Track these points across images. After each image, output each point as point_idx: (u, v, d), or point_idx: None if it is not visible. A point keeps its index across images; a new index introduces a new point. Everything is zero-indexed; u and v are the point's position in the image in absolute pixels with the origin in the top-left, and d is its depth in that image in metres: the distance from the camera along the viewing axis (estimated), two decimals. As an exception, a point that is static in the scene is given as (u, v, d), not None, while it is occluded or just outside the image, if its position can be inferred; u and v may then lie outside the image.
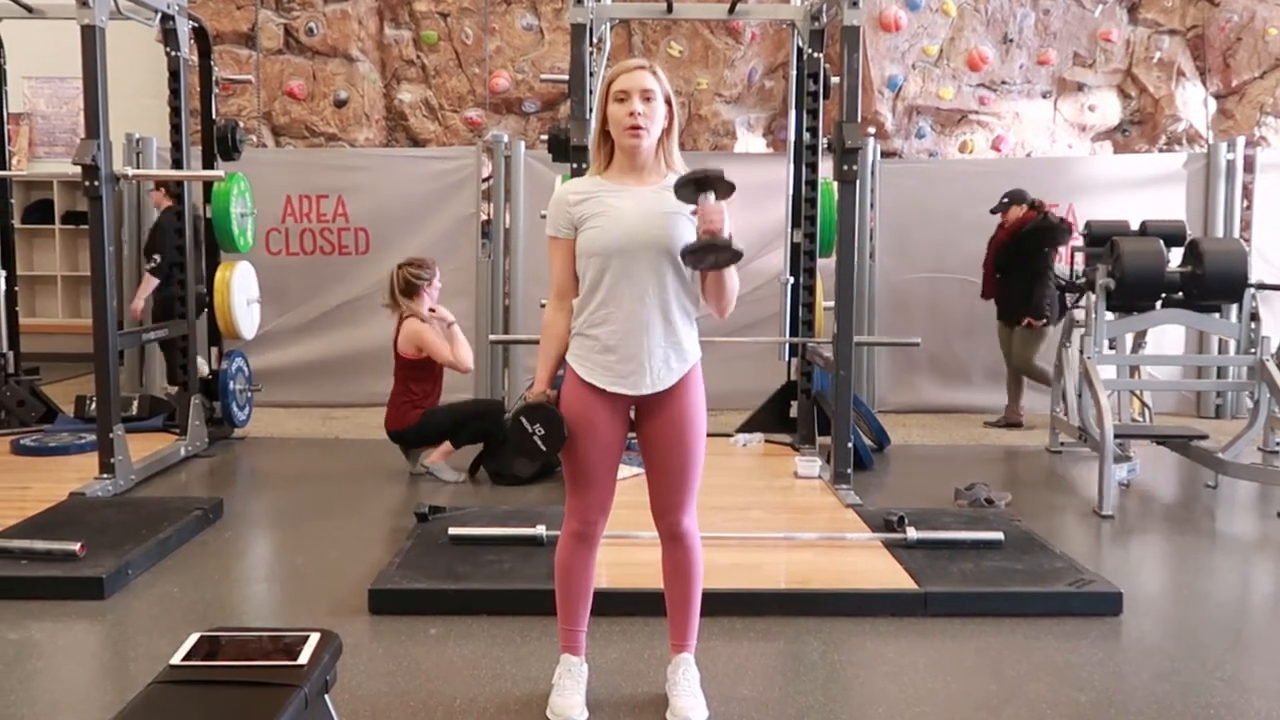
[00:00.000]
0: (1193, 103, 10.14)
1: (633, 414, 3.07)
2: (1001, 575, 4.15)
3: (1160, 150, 9.92)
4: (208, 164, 6.74)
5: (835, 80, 6.61)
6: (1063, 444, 6.83)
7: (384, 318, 8.09)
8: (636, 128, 2.93)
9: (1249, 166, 8.35)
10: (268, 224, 7.99)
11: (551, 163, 7.57)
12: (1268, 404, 5.64)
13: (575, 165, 5.28)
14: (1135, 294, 5.55)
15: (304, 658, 2.30)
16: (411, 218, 8.23)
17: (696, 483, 3.10)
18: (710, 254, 2.87)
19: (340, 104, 9.74)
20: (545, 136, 6.67)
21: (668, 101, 2.98)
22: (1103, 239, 6.19)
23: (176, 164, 6.56)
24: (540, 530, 4.47)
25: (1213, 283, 5.50)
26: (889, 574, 4.16)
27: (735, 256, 2.87)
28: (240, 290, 6.77)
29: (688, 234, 2.96)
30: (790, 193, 6.51)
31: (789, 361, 6.82)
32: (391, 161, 8.52)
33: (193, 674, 2.22)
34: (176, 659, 2.30)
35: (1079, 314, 6.63)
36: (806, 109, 6.31)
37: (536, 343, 6.57)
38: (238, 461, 6.60)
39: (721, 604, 3.80)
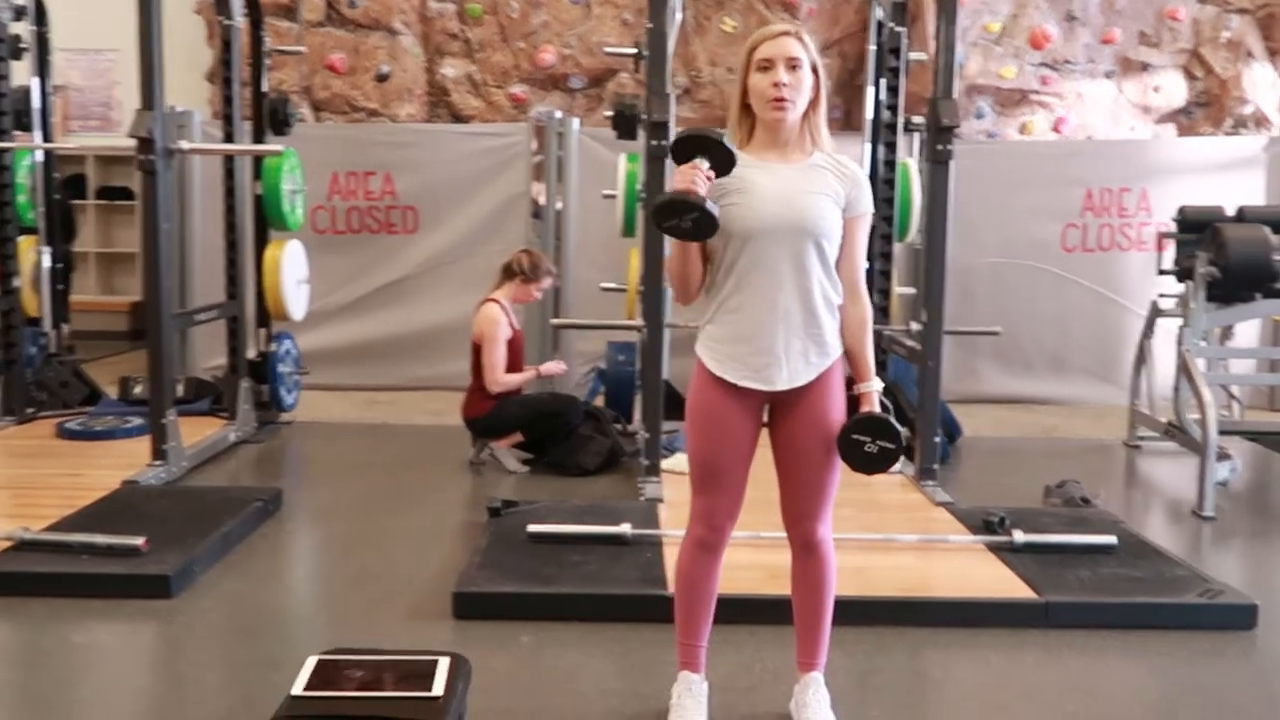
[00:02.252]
0: (1261, 84, 9.79)
1: (766, 413, 2.82)
2: (1122, 584, 3.89)
3: (1226, 133, 9.59)
4: (258, 138, 6.48)
5: (914, 56, 6.36)
6: (1141, 438, 6.55)
7: (431, 298, 7.94)
8: (781, 100, 2.67)
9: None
10: (313, 201, 7.72)
11: (614, 140, 7.32)
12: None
13: (652, 142, 4.99)
14: (1239, 284, 5.27)
15: (438, 687, 2.07)
16: (460, 196, 7.96)
17: (834, 489, 2.85)
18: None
19: (382, 79, 9.46)
20: (609, 113, 6.41)
21: (815, 71, 2.72)
22: (1199, 225, 5.90)
23: (227, 138, 6.31)
24: (625, 528, 4.23)
25: (1321, 272, 5.21)
26: (1003, 581, 3.90)
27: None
28: (290, 270, 6.53)
29: (834, 217, 2.71)
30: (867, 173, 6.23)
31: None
32: (440, 137, 8.24)
33: (318, 707, 1.98)
34: (297, 688, 2.05)
35: (1165, 303, 6.34)
36: (887, 85, 6.02)
37: (597, 327, 6.47)
38: (288, 448, 6.37)
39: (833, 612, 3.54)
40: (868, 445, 2.71)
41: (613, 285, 6.58)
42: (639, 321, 6.00)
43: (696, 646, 2.95)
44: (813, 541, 2.87)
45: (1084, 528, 4.43)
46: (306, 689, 2.05)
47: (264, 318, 6.59)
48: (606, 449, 5.72)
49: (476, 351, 5.66)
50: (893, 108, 6.02)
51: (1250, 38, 9.79)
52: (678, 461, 5.42)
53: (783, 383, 2.72)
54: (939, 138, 4.92)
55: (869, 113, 6.26)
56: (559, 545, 4.18)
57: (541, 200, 7.86)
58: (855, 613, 3.63)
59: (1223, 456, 5.21)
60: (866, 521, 4.65)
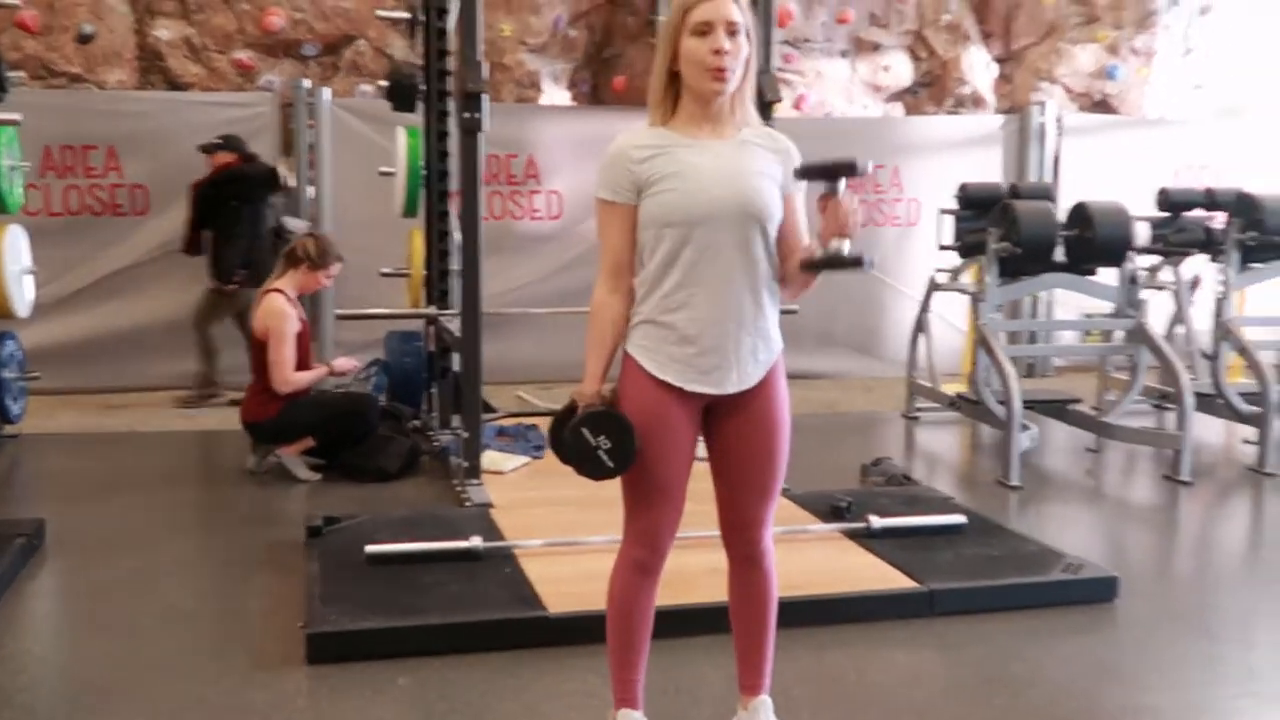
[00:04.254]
0: (978, 66, 10.36)
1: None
2: (989, 565, 3.89)
3: (949, 112, 10.08)
4: (-41, 105, 5.52)
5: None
6: (920, 409, 6.74)
7: (167, 287, 7.11)
8: (723, 69, 2.38)
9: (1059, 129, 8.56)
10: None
11: (370, 113, 6.83)
12: (1145, 366, 5.71)
13: (465, 115, 4.56)
14: (1030, 258, 5.44)
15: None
16: (196, 173, 7.14)
17: (779, 493, 2.61)
18: (839, 267, 2.39)
19: (84, 39, 8.37)
20: (383, 82, 5.91)
21: (749, 38, 2.44)
22: (981, 202, 6.08)
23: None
24: (476, 542, 3.84)
25: (1100, 245, 5.46)
26: (881, 572, 3.81)
27: (859, 265, 2.39)
28: (11, 259, 5.62)
29: (777, 198, 2.46)
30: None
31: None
32: (171, 108, 7.38)
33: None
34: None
35: (941, 277, 6.53)
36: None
37: (388, 316, 5.96)
38: (22, 468, 5.49)
39: (711, 619, 3.29)
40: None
41: (393, 270, 6.08)
42: (432, 310, 5.60)
43: (635, 681, 2.64)
44: (758, 552, 2.63)
45: (927, 507, 4.43)
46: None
47: (-22, 315, 5.65)
48: (407, 449, 5.26)
49: (260, 348, 5.05)
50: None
51: (967, 22, 10.33)
52: (492, 459, 5.07)
53: (733, 385, 2.46)
54: (466, 105, 4.55)
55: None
56: (401, 566, 3.75)
57: (291, 180, 7.20)
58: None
59: (1023, 427, 5.38)
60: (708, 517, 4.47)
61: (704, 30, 2.37)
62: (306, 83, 7.41)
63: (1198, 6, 10.90)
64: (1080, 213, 5.55)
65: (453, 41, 5.61)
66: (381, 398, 5.82)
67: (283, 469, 5.15)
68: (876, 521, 4.14)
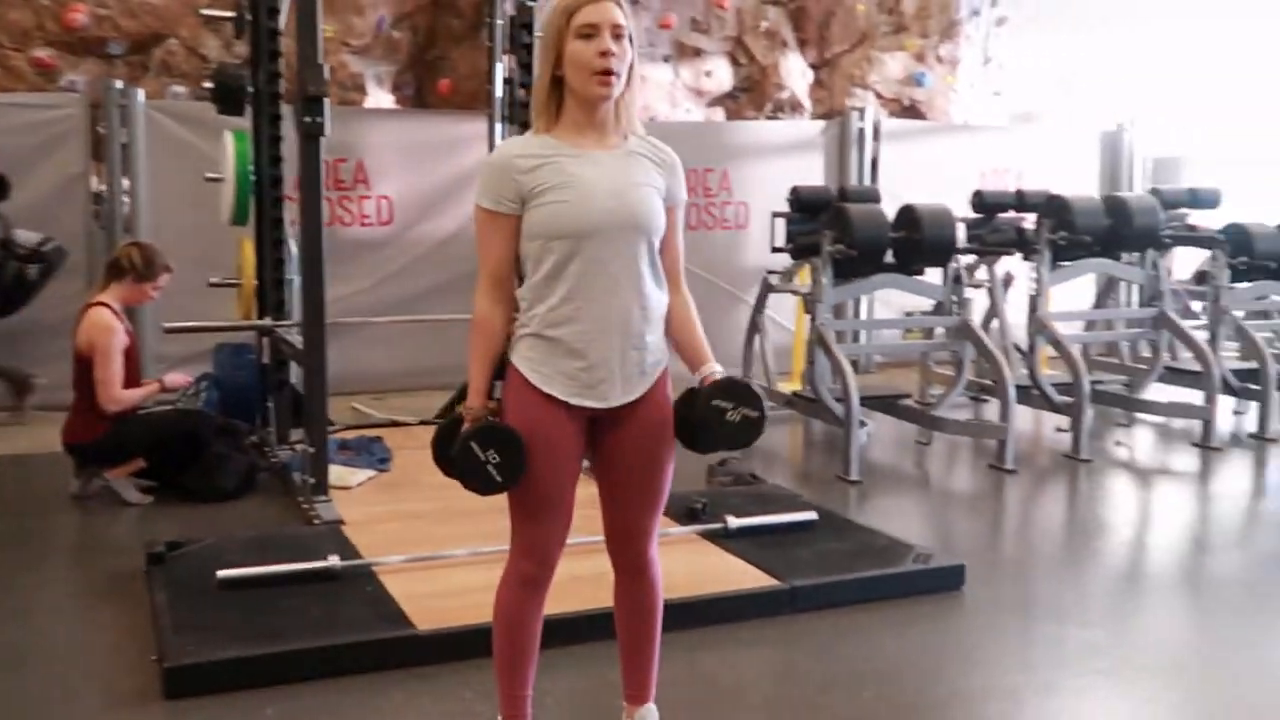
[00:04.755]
0: (795, 72, 10.66)
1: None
2: (844, 560, 4.01)
3: (768, 117, 10.34)
4: None
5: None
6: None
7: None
8: (609, 73, 2.37)
9: (876, 134, 8.88)
10: None
11: (187, 115, 6.56)
12: (970, 361, 5.99)
13: (306, 120, 4.42)
14: (863, 260, 5.63)
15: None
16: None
17: (664, 503, 2.63)
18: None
19: None
20: (208, 84, 5.66)
21: (632, 43, 2.44)
22: (812, 205, 6.25)
23: None
24: (334, 561, 3.73)
25: (928, 246, 5.70)
26: (743, 571, 3.87)
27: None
28: None
29: (661, 211, 2.47)
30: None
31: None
32: (-33, 108, 6.88)
33: None
34: None
35: (773, 279, 6.68)
36: (521, 62, 5.78)
37: (220, 329, 5.71)
38: None
39: (579, 630, 3.29)
40: (730, 413, 2.46)
41: (222, 280, 5.83)
42: (268, 321, 5.42)
43: (525, 697, 2.62)
44: (644, 563, 2.64)
45: (778, 505, 4.53)
46: None
47: None
48: (245, 467, 5.06)
49: (84, 364, 4.77)
50: (526, 85, 5.79)
51: (785, 29, 10.62)
52: (338, 474, 4.93)
53: (618, 398, 2.46)
54: (307, 109, 4.41)
55: (499, 89, 6.02)
56: (256, 590, 3.61)
57: (102, 186, 6.82)
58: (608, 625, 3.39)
59: (860, 424, 5.56)
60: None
61: (589, 33, 2.35)
62: (118, 83, 7.03)
63: (994, 18, 11.52)
64: (908, 215, 5.78)
65: (284, 42, 5.45)
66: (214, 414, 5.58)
67: (111, 492, 4.88)
68: (734, 521, 4.21)
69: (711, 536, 4.20)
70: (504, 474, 2.39)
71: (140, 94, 7.04)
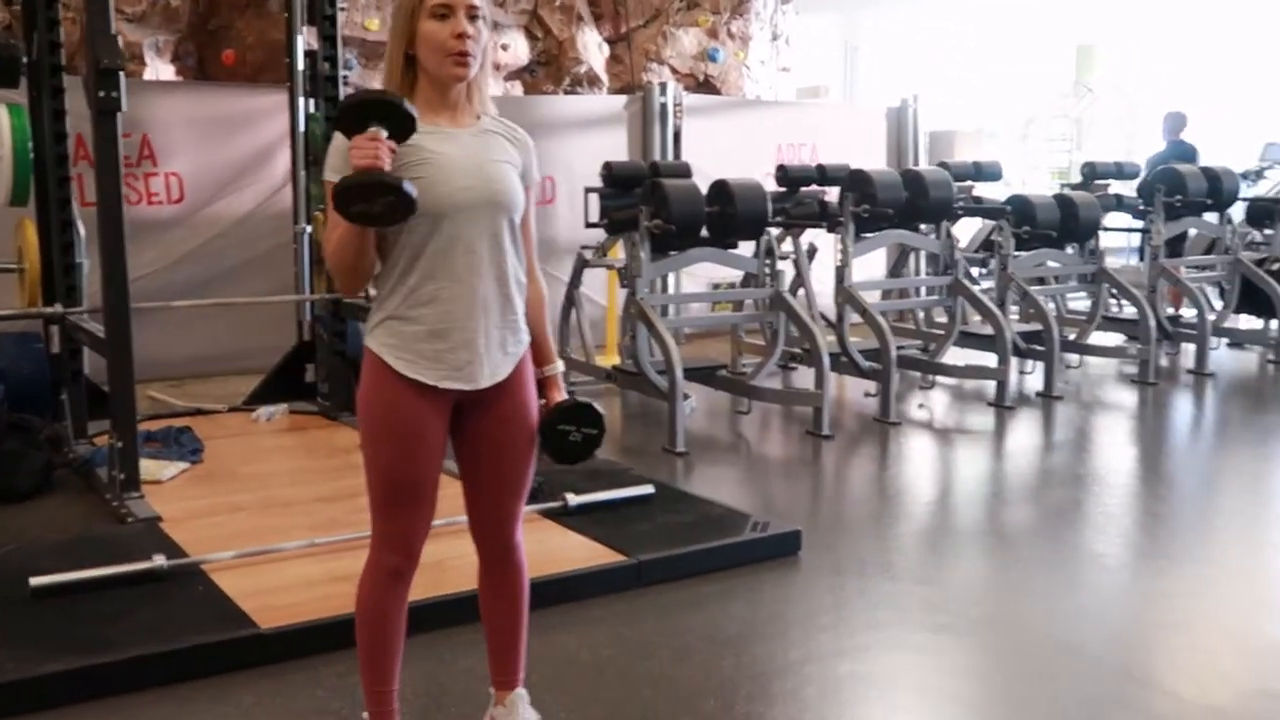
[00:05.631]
0: (591, 47, 10.65)
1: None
2: (685, 532, 4.06)
3: (566, 91, 10.31)
4: None
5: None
6: (574, 383, 6.86)
7: None
8: (465, 53, 2.31)
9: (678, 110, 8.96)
10: None
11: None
12: (786, 331, 6.15)
13: (100, 94, 4.12)
14: (681, 235, 5.69)
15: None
16: None
17: (529, 487, 2.60)
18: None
19: None
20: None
21: (486, 22, 2.39)
22: (624, 180, 6.27)
23: None
24: (160, 561, 3.52)
25: (741, 220, 5.81)
26: (589, 549, 3.87)
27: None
28: None
29: (520, 188, 2.43)
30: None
31: (304, 320, 6.09)
32: None
33: None
34: None
35: (587, 254, 6.68)
36: (324, 34, 5.56)
37: (5, 318, 5.28)
38: None
39: (430, 617, 3.23)
40: (572, 434, 2.53)
41: (1, 265, 5.40)
42: (57, 307, 5.07)
43: (392, 691, 2.54)
44: (510, 548, 2.61)
45: (612, 481, 4.53)
46: None
47: None
48: (41, 465, 4.72)
49: None
50: (330, 59, 5.58)
51: (580, 3, 10.58)
52: (147, 469, 4.65)
53: (485, 380, 2.41)
54: (102, 82, 4.13)
55: (301, 62, 5.78)
56: (74, 596, 3.37)
57: None
58: (458, 612, 3.33)
59: (684, 396, 5.62)
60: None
61: (443, 13, 2.30)
62: None
63: (782, -5, 11.82)
64: (721, 190, 5.86)
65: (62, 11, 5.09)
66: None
67: (-114, 499, 4.47)
68: (573, 499, 4.20)
69: (552, 515, 4.18)
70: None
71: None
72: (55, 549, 3.74)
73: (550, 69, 10.56)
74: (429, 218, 2.30)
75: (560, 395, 2.58)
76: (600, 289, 7.61)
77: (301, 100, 5.84)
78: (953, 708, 3.03)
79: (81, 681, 2.91)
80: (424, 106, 2.35)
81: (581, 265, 6.62)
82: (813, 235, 7.33)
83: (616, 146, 8.45)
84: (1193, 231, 8.33)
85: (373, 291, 2.42)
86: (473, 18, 2.32)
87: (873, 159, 9.27)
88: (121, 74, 4.15)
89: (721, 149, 8.54)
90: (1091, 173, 8.68)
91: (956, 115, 14.50)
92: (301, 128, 5.93)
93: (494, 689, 2.69)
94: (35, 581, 3.36)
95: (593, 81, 10.69)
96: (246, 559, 3.69)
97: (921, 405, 6.66)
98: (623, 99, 8.93)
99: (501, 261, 2.39)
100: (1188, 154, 9.28)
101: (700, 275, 7.91)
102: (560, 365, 2.62)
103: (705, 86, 10.84)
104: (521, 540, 2.62)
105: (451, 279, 2.33)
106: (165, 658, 3.02)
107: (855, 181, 6.43)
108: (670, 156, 8.59)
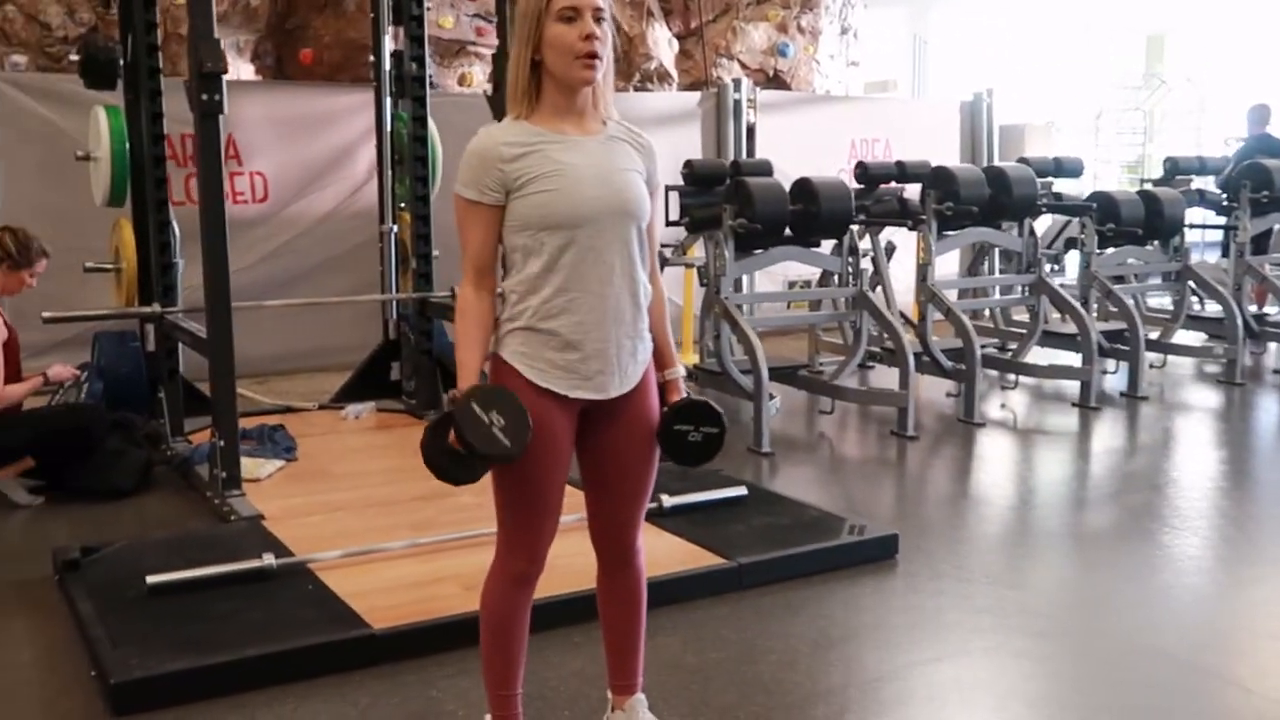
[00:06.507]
0: (661, 42, 10.64)
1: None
2: (782, 534, 4.05)
3: (635, 88, 10.31)
4: None
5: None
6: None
7: None
8: (593, 55, 2.31)
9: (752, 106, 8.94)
10: None
11: (37, 87, 6.20)
12: (868, 330, 6.11)
13: (203, 97, 4.18)
14: (766, 234, 5.67)
15: None
16: None
17: (651, 491, 2.61)
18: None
19: None
20: (75, 56, 5.35)
21: (610, 24, 2.39)
22: (706, 179, 6.26)
23: None
24: (269, 560, 3.58)
25: (825, 218, 5.78)
26: (688, 551, 3.87)
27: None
28: None
29: (646, 196, 2.44)
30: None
31: (389, 319, 6.15)
32: None
33: None
34: None
35: (667, 252, 6.67)
36: (410, 34, 5.61)
37: (102, 318, 5.40)
38: None
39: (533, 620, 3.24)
40: (691, 434, 2.51)
41: (98, 265, 5.51)
42: (155, 307, 5.17)
43: (515, 695, 2.57)
44: (632, 553, 2.62)
45: (704, 482, 4.52)
46: None
47: None
48: (142, 463, 4.81)
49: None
50: (418, 59, 5.63)
51: (650, -1, 10.58)
52: (245, 467, 4.73)
53: (615, 389, 2.42)
54: (204, 86, 4.20)
55: (387, 64, 5.83)
56: (187, 594, 3.44)
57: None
58: (569, 612, 3.35)
59: (770, 397, 5.61)
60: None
61: (570, 15, 2.29)
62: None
63: (852, -11, 11.73)
64: (804, 188, 5.84)
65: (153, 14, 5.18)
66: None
67: (-2, 495, 4.59)
68: (668, 500, 4.20)
69: (647, 516, 4.15)
70: (511, 437, 2.25)
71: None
72: (163, 546, 3.82)
73: (620, 65, 10.55)
74: (564, 230, 2.31)
75: (680, 395, 2.57)
76: (677, 288, 7.60)
77: (388, 100, 5.89)
78: (1065, 715, 3.00)
79: (202, 680, 2.96)
80: (549, 113, 2.37)
81: (661, 264, 6.61)
82: (890, 233, 7.28)
83: (690, 144, 8.45)
84: (1278, 227, 8.17)
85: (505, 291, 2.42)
86: (598, 19, 2.32)
87: (947, 154, 9.18)
88: (224, 78, 4.22)
89: (795, 145, 8.50)
90: (1174, 168, 8.54)
91: (1026, 108, 14.32)
92: (388, 127, 5.98)
93: (611, 693, 2.70)
94: (152, 579, 3.43)
95: (663, 78, 10.69)
96: (352, 558, 3.73)
97: (1004, 405, 6.59)
98: (696, 95, 8.92)
99: (632, 271, 2.40)
100: (1275, 148, 9.07)
101: (775, 273, 7.89)
102: (682, 369, 2.62)
103: (775, 82, 10.80)
104: (642, 545, 2.64)
105: (584, 289, 2.34)
106: (281, 657, 3.07)
107: (938, 179, 6.37)
108: (744, 153, 8.57)
